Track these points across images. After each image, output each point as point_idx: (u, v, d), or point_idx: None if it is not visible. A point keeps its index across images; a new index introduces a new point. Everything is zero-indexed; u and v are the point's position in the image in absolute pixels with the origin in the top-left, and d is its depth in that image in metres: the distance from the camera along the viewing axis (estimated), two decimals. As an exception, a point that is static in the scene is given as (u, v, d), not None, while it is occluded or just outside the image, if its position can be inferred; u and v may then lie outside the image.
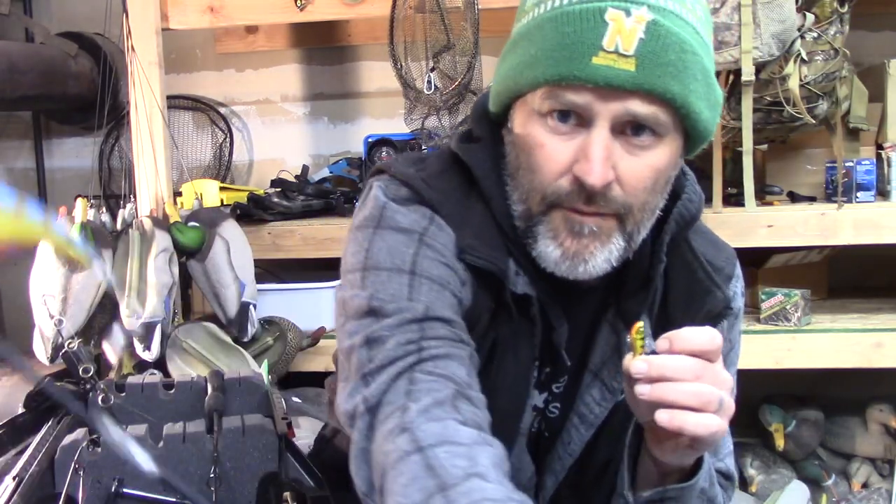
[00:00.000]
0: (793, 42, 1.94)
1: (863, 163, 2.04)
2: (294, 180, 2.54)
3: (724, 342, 0.77)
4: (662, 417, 0.73)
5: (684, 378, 0.73)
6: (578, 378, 0.95)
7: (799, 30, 1.95)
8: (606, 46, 0.77)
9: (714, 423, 0.73)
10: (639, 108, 0.79)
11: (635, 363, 0.75)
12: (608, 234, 0.84)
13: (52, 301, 1.78)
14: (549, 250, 0.85)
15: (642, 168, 0.82)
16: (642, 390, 0.74)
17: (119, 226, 2.00)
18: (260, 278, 2.08)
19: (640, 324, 0.77)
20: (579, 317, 0.94)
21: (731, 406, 0.75)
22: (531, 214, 0.86)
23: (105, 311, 1.89)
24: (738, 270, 1.01)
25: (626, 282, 0.91)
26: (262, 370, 1.72)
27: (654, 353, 0.75)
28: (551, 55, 0.80)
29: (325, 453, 1.19)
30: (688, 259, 0.94)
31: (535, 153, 0.83)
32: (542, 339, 0.91)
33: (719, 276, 0.95)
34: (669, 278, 0.93)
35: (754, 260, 2.25)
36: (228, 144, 2.79)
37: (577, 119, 0.81)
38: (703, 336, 0.74)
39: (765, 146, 2.32)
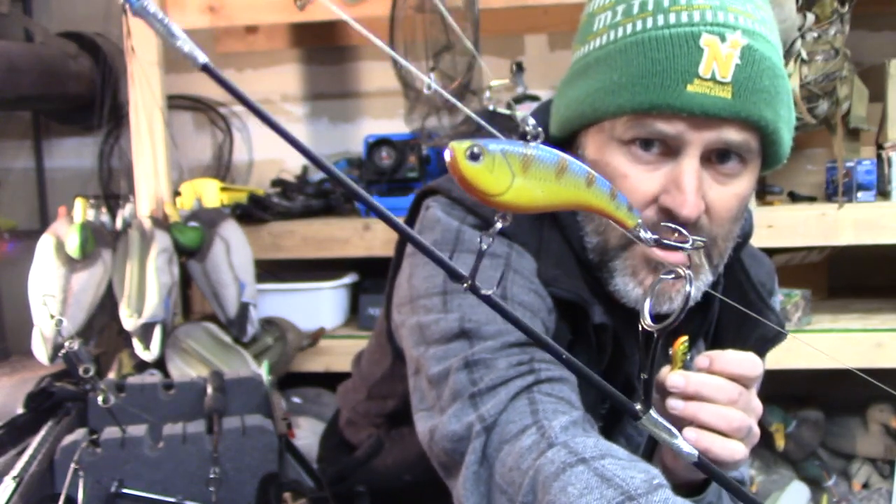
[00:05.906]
0: (793, 42, 1.94)
1: (863, 163, 2.04)
2: (294, 180, 2.54)
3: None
4: (690, 436, 0.71)
5: (719, 400, 0.72)
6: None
7: (799, 30, 1.94)
8: (703, 73, 0.73)
9: (739, 451, 0.72)
10: (733, 136, 0.76)
11: (672, 376, 0.74)
12: (695, 268, 0.81)
13: (52, 301, 1.78)
14: (629, 288, 0.82)
15: (729, 197, 0.79)
16: (675, 405, 0.73)
17: (119, 226, 2.00)
18: (260, 278, 2.08)
19: (685, 337, 0.76)
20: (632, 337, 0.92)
21: (757, 435, 0.74)
22: (607, 248, 0.82)
23: (105, 311, 1.90)
24: (777, 284, 1.00)
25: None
26: (262, 370, 1.72)
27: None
28: (639, 82, 0.75)
29: (356, 477, 1.13)
30: (740, 279, 0.92)
31: (617, 184, 0.79)
32: (607, 365, 0.89)
33: (764, 292, 0.93)
34: (722, 301, 0.91)
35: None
36: (228, 144, 2.79)
37: (662, 147, 0.78)
38: (746, 362, 0.73)
39: (765, 146, 2.31)
